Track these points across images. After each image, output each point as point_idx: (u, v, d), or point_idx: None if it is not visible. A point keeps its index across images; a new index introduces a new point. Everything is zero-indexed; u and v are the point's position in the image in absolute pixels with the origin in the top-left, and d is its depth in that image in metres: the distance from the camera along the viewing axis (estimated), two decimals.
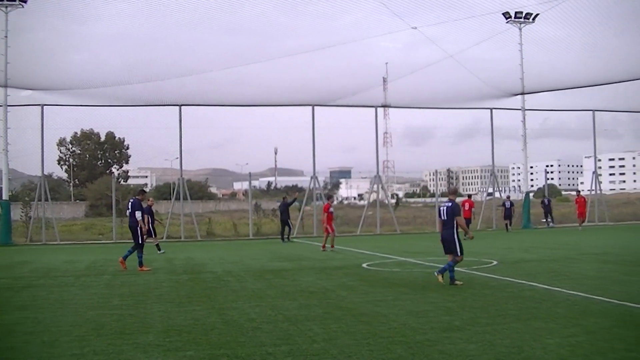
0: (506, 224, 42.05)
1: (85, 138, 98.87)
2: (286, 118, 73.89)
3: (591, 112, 48.29)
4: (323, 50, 43.42)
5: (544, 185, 53.06)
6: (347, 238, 37.60)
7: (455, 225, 15.69)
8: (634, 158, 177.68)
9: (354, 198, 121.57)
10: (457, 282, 15.57)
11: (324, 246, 28.47)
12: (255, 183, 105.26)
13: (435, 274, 16.06)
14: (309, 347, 9.34)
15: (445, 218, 15.82)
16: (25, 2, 36.50)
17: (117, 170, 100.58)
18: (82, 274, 20.12)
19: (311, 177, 42.62)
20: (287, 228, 36.14)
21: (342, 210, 58.25)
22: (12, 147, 37.51)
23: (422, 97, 46.30)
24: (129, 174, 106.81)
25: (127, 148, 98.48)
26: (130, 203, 21.79)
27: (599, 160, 53.64)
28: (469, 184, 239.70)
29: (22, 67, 37.31)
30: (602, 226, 42.67)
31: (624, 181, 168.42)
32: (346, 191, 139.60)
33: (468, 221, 31.99)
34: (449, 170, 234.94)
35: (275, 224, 43.89)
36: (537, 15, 43.45)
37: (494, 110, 45.98)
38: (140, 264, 20.98)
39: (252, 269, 20.93)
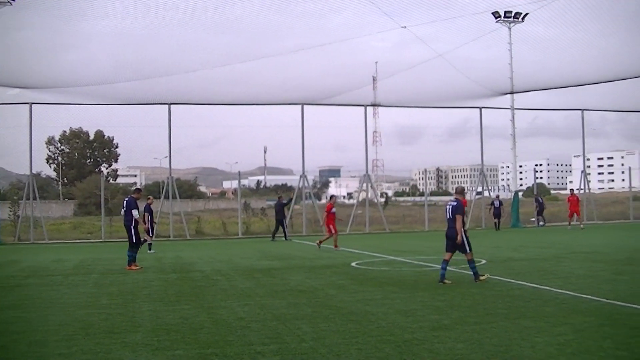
0: (495, 223, 42.16)
1: (74, 137, 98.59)
2: (276, 117, 74.00)
3: (580, 111, 48.47)
4: (313, 49, 43.30)
5: (533, 184, 53.12)
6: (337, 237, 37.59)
7: (461, 223, 15.85)
8: (622, 157, 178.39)
9: (343, 197, 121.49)
10: (481, 278, 15.83)
11: (336, 245, 28.21)
12: (244, 182, 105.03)
13: (439, 282, 15.97)
14: (298, 346, 9.34)
15: (450, 216, 15.94)
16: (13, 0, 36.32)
17: (106, 169, 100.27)
18: (70, 273, 20.06)
19: (300, 176, 42.58)
20: (280, 227, 36.11)
21: None
22: (0, 145, 37.36)
23: (411, 96, 46.30)
24: (118, 172, 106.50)
25: (116, 147, 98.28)
26: (125, 201, 21.75)
27: (588, 159, 53.87)
28: (458, 183, 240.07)
29: (10, 66, 37.18)
30: (591, 225, 42.77)
31: (613, 180, 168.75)
32: (335, 190, 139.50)
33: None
34: (438, 169, 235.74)
35: (265, 223, 44.04)
36: (526, 14, 43.53)
37: (483, 109, 46.07)
38: (129, 263, 20.91)
39: (241, 267, 20.92)
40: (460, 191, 16.84)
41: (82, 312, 12.63)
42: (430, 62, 42.39)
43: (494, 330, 10.12)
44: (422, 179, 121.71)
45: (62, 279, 18.58)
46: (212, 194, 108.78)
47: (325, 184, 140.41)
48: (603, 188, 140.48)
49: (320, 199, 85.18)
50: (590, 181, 52.37)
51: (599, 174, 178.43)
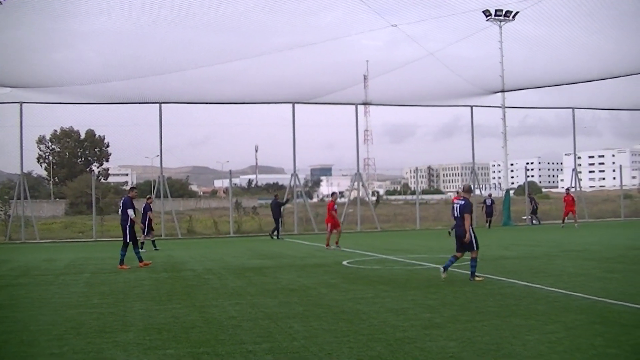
0: (487, 221, 42.22)
1: (65, 136, 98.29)
2: (267, 116, 73.92)
3: (571, 109, 48.53)
4: (303, 48, 43.34)
5: (524, 183, 53.25)
6: None
7: (469, 222, 15.89)
8: (613, 155, 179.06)
9: None
10: (477, 279, 15.80)
11: (337, 242, 28.05)
12: (235, 181, 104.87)
13: (441, 270, 16.06)
14: (289, 345, 9.34)
15: (458, 215, 15.96)
16: None
17: (97, 168, 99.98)
18: (61, 273, 20.01)
19: (292, 175, 42.58)
20: (276, 226, 36.15)
21: (322, 208, 58.25)
22: None
23: (402, 94, 46.32)
24: (109, 171, 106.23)
25: (107, 146, 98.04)
26: (122, 201, 21.75)
27: (579, 157, 54.02)
28: (449, 182, 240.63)
29: (0, 65, 37.03)
30: (582, 223, 42.85)
31: (604, 178, 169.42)
32: (327, 188, 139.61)
33: None
34: (429, 168, 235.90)
35: (256, 222, 44.10)
36: (517, 13, 43.68)
37: (474, 107, 46.12)
38: (121, 262, 20.87)
39: (233, 266, 20.90)
40: (468, 189, 16.82)
41: (73, 312, 12.59)
42: (421, 61, 42.49)
43: (485, 329, 10.13)
44: (414, 178, 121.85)
45: (53, 278, 18.52)
46: (203, 192, 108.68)
47: (317, 183, 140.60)
48: (594, 186, 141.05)
49: (311, 198, 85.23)
50: (581, 179, 52.53)
51: (590, 172, 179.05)
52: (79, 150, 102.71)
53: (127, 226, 21.01)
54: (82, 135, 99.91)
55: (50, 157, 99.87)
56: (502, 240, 30.61)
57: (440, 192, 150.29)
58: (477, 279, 15.70)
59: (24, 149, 39.03)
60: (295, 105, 41.91)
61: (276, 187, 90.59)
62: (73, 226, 48.87)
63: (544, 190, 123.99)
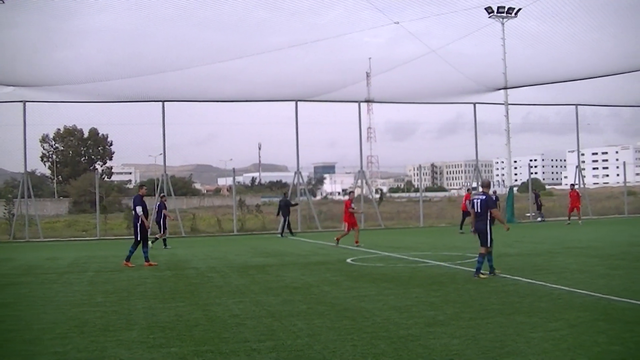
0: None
1: (68, 134, 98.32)
2: (270, 113, 73.83)
3: (574, 106, 48.46)
4: (306, 45, 43.26)
5: (528, 180, 53.15)
6: (331, 233, 37.53)
7: (489, 217, 15.82)
8: (617, 152, 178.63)
9: (338, 193, 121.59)
10: (481, 276, 15.76)
11: (357, 241, 28.03)
12: (239, 179, 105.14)
13: (476, 276, 15.95)
14: (293, 343, 9.34)
15: (479, 210, 15.94)
16: None
17: (101, 166, 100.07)
18: (65, 271, 20.03)
19: (295, 173, 42.59)
20: (284, 223, 36.14)
21: (326, 205, 58.29)
22: None
23: (405, 92, 46.29)
24: (112, 170, 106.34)
25: (111, 144, 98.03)
26: (133, 199, 21.81)
27: (582, 154, 53.97)
28: (453, 179, 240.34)
29: (3, 64, 37.05)
30: (585, 220, 42.76)
31: (607, 175, 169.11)
32: (330, 186, 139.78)
33: (467, 214, 31.77)
34: (432, 165, 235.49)
35: (260, 220, 44.15)
36: (519, 10, 43.52)
37: (477, 104, 46.07)
38: (128, 258, 20.88)
39: (236, 264, 20.91)
40: (487, 184, 16.89)
41: (76, 310, 12.60)
42: (423, 58, 42.34)
43: (488, 326, 10.12)
44: (417, 175, 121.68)
45: (57, 277, 18.55)
46: (206, 191, 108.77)
47: (320, 181, 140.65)
48: (598, 183, 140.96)
49: (315, 196, 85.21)
50: (584, 176, 52.45)
51: (594, 169, 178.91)
52: (82, 148, 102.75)
53: (139, 224, 20.99)
54: (86, 134, 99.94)
55: (54, 156, 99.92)
56: (505, 237, 30.43)
57: (444, 190, 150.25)
58: (481, 276, 15.67)
59: (27, 148, 39.05)
60: (298, 103, 41.89)
61: (279, 185, 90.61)
62: (76, 225, 48.87)
63: (547, 187, 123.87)
